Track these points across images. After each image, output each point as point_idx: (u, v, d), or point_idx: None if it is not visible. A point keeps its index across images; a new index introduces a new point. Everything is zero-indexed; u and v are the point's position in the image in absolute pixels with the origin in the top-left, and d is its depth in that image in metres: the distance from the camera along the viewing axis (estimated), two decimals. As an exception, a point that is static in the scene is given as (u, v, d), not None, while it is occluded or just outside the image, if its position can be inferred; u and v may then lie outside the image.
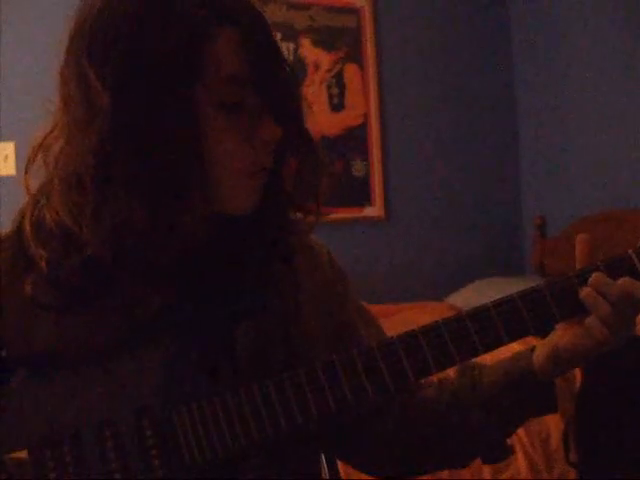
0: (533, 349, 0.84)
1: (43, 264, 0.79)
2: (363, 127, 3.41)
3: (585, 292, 0.75)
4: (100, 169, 0.74)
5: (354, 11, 3.41)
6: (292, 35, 3.25)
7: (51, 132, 0.80)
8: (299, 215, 0.87)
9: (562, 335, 0.79)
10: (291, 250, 0.88)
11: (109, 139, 0.73)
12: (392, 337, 0.76)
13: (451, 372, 0.89)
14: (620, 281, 0.74)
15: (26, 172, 0.82)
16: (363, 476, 1.02)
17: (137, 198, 0.74)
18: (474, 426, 0.87)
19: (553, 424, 2.10)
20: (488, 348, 0.75)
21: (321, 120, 3.20)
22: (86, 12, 0.77)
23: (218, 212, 0.80)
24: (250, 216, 0.82)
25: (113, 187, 0.74)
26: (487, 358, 0.82)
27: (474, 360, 0.79)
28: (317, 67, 3.33)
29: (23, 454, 0.76)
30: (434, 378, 0.91)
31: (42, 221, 0.80)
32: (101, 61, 0.74)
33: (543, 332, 0.78)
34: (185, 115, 0.74)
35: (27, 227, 0.81)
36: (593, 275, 0.75)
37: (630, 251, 0.76)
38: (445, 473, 1.89)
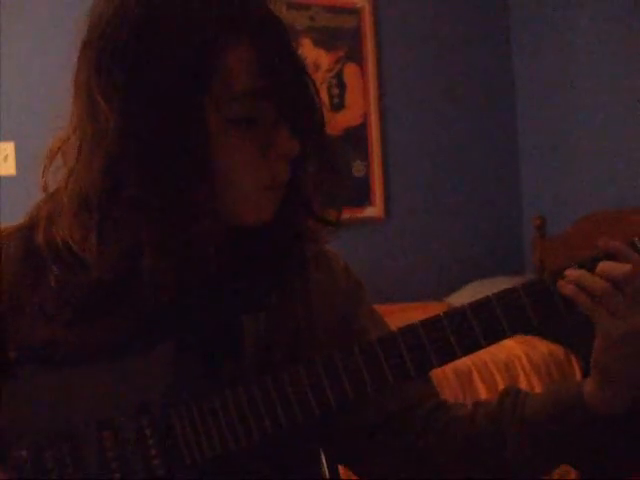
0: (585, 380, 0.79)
1: (52, 279, 0.78)
2: (363, 127, 3.41)
3: (564, 288, 0.72)
4: (107, 191, 0.73)
5: (354, 11, 3.41)
6: (292, 35, 3.24)
7: (67, 140, 0.79)
8: (317, 224, 0.85)
9: (596, 348, 0.74)
10: (305, 256, 0.86)
11: (116, 161, 0.72)
12: (393, 331, 0.75)
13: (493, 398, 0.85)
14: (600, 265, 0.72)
15: (44, 173, 0.82)
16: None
17: (145, 220, 0.73)
18: (506, 455, 0.81)
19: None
20: (491, 341, 0.74)
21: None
22: (94, 23, 0.75)
23: (233, 224, 0.79)
24: (266, 226, 0.80)
25: (120, 210, 0.73)
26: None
27: (519, 387, 0.76)
28: (317, 67, 3.33)
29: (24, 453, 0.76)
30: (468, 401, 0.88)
31: (54, 236, 0.79)
32: (108, 78, 0.73)
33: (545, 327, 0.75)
34: (195, 133, 0.72)
35: (41, 239, 0.80)
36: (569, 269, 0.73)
37: (635, 238, 0.74)
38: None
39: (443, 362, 0.74)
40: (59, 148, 0.80)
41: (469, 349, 0.74)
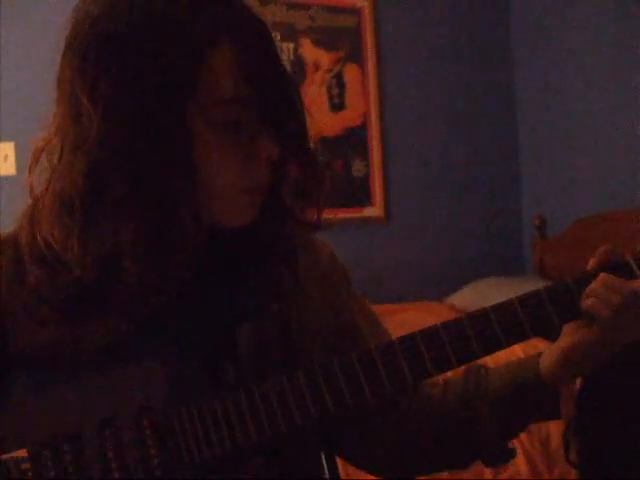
0: (540, 355, 0.83)
1: (33, 281, 0.78)
2: (363, 127, 3.41)
3: (586, 302, 0.73)
4: (89, 192, 0.73)
5: (354, 11, 3.41)
6: (292, 35, 3.25)
7: (50, 140, 0.79)
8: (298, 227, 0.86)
9: (570, 337, 0.77)
10: (292, 251, 0.88)
11: (99, 163, 0.72)
12: (391, 340, 0.76)
13: (458, 373, 0.88)
14: (624, 286, 0.73)
15: (29, 173, 0.82)
16: (363, 476, 1.02)
17: (126, 221, 0.73)
18: (477, 428, 0.86)
19: (553, 424, 2.10)
20: (487, 352, 0.75)
21: (321, 120, 3.20)
22: (79, 27, 0.75)
23: (215, 225, 0.80)
24: (248, 226, 0.81)
25: (101, 211, 0.73)
26: (489, 361, 0.82)
27: (480, 362, 0.79)
28: (317, 67, 3.33)
29: (23, 453, 0.76)
30: (439, 379, 0.91)
31: (36, 237, 0.79)
32: (92, 80, 0.73)
33: (542, 335, 0.77)
34: (178, 136, 0.73)
35: (23, 240, 0.81)
36: (593, 283, 0.74)
37: (629, 257, 0.75)
38: (445, 473, 1.89)
39: (440, 371, 0.76)
40: (42, 148, 0.80)
41: (466, 359, 0.76)
